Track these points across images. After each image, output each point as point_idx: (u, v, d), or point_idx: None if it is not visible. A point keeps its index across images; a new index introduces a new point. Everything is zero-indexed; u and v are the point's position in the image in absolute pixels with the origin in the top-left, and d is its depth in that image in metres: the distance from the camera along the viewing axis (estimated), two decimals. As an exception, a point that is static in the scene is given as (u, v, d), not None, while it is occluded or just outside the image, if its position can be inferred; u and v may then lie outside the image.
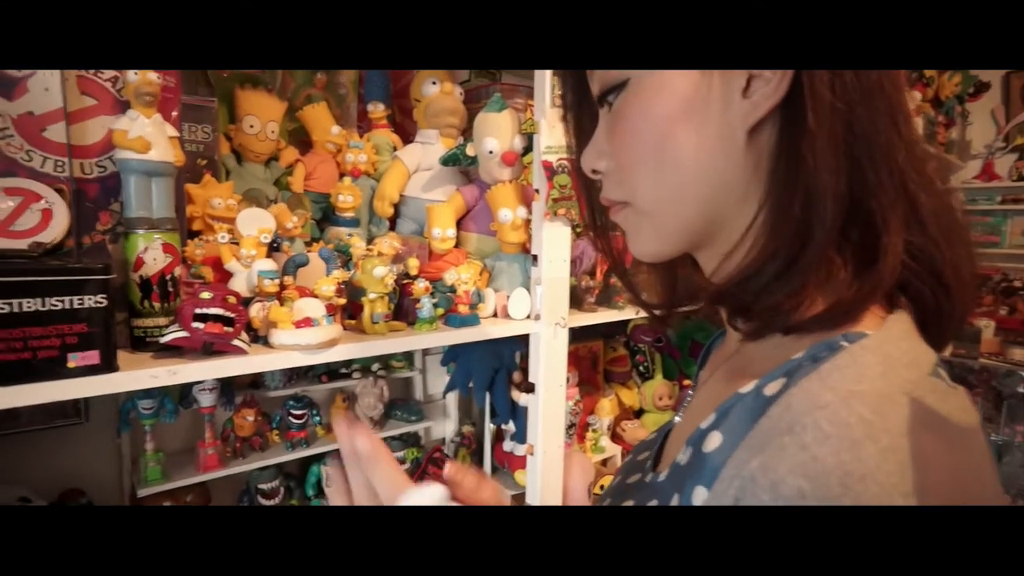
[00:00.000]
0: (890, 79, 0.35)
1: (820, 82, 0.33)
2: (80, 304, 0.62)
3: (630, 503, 0.43)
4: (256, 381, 1.13)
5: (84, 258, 0.71)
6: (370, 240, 1.06)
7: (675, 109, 0.37)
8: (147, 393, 0.94)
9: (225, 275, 0.83)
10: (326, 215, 1.11)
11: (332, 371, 1.22)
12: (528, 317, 1.06)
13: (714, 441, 0.36)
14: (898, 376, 0.30)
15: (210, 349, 0.71)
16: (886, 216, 0.34)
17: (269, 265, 0.81)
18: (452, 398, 1.41)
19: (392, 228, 1.17)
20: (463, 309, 0.99)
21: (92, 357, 0.63)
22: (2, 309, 0.58)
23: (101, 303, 0.63)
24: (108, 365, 0.64)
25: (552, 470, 1.11)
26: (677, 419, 0.49)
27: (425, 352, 1.37)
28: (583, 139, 0.47)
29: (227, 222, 0.87)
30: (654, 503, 0.40)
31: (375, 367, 1.25)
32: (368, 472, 0.36)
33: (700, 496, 0.34)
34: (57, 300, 0.60)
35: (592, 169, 0.44)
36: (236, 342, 0.73)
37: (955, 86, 2.54)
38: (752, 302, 0.37)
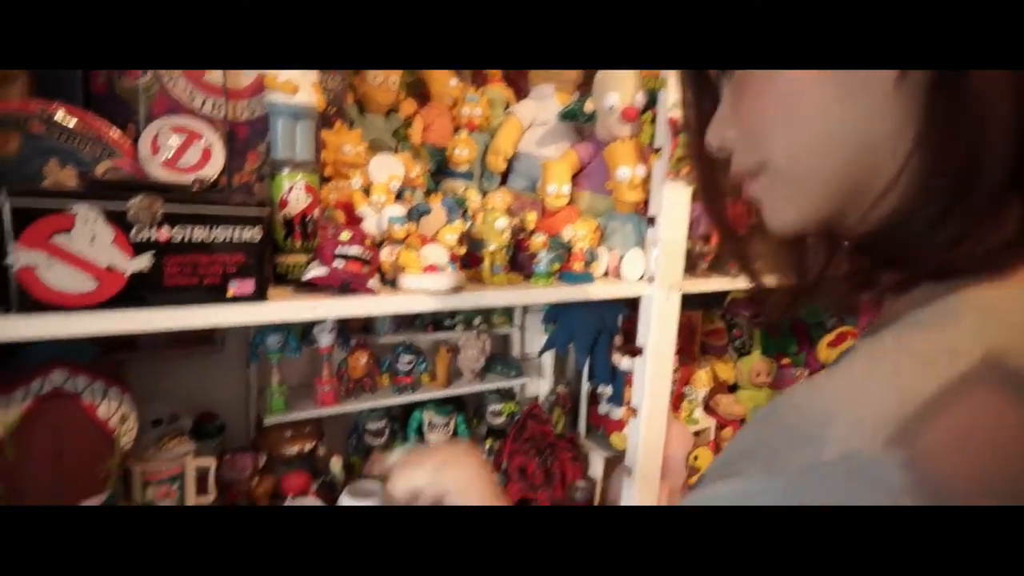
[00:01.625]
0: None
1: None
2: (240, 237, 0.66)
3: None
4: (367, 326, 1.18)
5: (238, 196, 0.75)
6: (482, 194, 1.06)
7: (804, 72, 0.34)
8: (275, 329, 1.01)
9: (354, 219, 0.86)
10: (439, 168, 1.12)
11: (437, 322, 1.25)
12: (641, 278, 1.04)
13: None
14: (988, 331, 0.27)
15: (347, 288, 0.74)
16: None
17: (399, 211, 0.83)
18: (548, 358, 1.42)
19: (503, 183, 1.16)
20: (578, 266, 0.98)
21: (248, 287, 0.67)
22: (176, 237, 0.62)
23: (258, 237, 0.67)
24: (261, 295, 0.68)
25: (654, 436, 1.09)
26: None
27: (525, 310, 1.38)
28: (702, 121, 0.43)
29: (355, 168, 0.90)
30: None
31: (477, 321, 1.28)
32: None
33: None
34: (222, 231, 0.64)
35: (719, 144, 0.41)
36: (370, 283, 0.76)
37: None
38: (901, 251, 0.34)
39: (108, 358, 0.78)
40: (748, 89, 0.38)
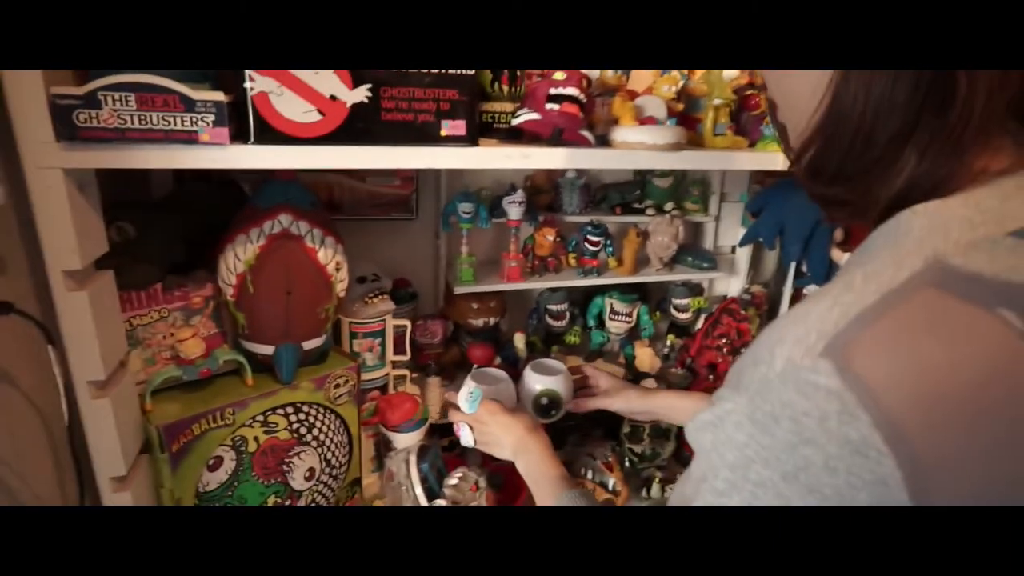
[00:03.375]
0: None
1: None
2: (452, 70, 0.60)
3: None
4: (553, 205, 1.12)
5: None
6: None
7: None
8: (466, 197, 0.98)
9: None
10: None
11: (626, 204, 1.15)
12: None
13: None
14: (932, 237, 0.31)
15: (558, 137, 0.67)
16: None
17: (613, 54, 0.72)
18: (744, 253, 1.26)
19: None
20: (817, 130, 0.81)
21: (460, 127, 0.63)
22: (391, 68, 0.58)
23: (469, 73, 0.61)
24: (472, 139, 0.63)
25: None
26: None
27: (722, 198, 1.22)
28: None
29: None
30: None
31: (669, 206, 1.15)
32: None
33: None
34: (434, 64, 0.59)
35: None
36: (583, 132, 0.67)
37: None
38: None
39: (322, 210, 0.80)
40: None
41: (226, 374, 0.77)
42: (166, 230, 0.75)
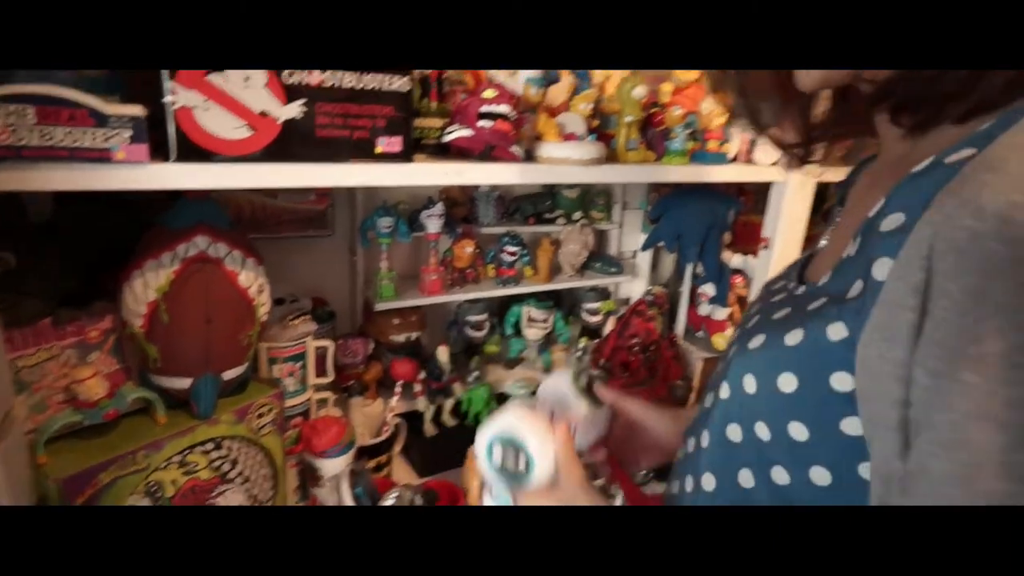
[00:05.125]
0: None
1: None
2: (390, 86, 0.60)
3: (783, 312, 0.40)
4: (469, 217, 1.13)
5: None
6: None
7: None
8: (385, 211, 0.96)
9: (482, 83, 0.78)
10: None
11: (538, 215, 1.19)
12: (775, 164, 0.95)
13: (893, 220, 0.33)
14: None
15: (489, 152, 0.69)
16: None
17: (535, 72, 0.75)
18: (645, 257, 1.36)
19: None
20: (713, 146, 0.90)
21: (396, 144, 0.62)
22: (328, 81, 0.57)
23: (407, 87, 0.61)
24: (408, 155, 0.63)
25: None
26: (823, 242, 0.46)
27: (624, 206, 1.30)
28: None
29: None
30: (819, 303, 0.37)
31: (577, 215, 1.21)
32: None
33: (883, 268, 0.31)
34: (371, 78, 0.58)
35: None
36: (512, 148, 0.69)
37: None
38: (922, 91, 0.34)
39: (241, 229, 0.75)
40: None
41: (132, 414, 0.69)
42: (52, 258, 0.67)
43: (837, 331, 0.33)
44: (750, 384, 0.39)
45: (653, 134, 0.89)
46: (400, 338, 1.07)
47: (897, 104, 0.37)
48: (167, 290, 0.64)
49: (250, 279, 0.70)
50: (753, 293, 1.06)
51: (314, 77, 0.56)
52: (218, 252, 0.67)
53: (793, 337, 0.36)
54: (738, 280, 1.20)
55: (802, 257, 0.49)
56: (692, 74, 0.96)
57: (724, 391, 0.41)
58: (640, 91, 0.81)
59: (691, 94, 0.95)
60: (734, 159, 0.97)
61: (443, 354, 1.09)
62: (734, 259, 1.18)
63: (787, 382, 0.36)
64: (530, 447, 0.48)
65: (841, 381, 0.34)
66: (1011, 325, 0.25)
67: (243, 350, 0.73)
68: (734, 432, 0.40)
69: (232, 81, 0.53)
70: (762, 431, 0.38)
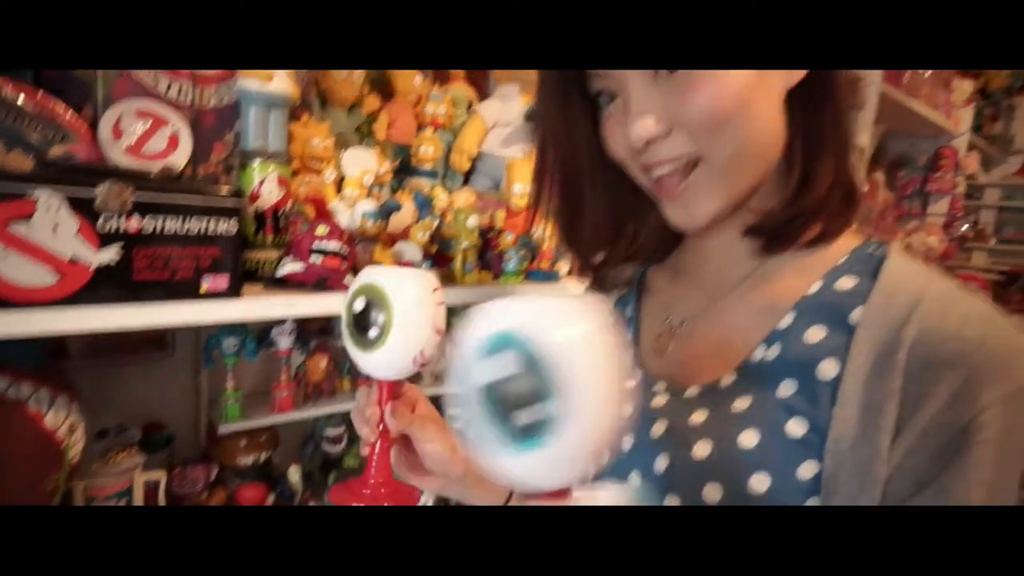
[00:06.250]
0: (847, 76, 0.45)
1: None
2: (215, 229, 0.62)
3: (701, 415, 0.45)
4: (326, 328, 1.14)
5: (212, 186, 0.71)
6: (448, 193, 1.06)
7: (751, 74, 0.41)
8: (231, 331, 0.95)
9: (324, 215, 0.83)
10: (402, 166, 1.11)
11: (397, 324, 1.22)
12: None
13: (816, 333, 0.42)
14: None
15: (323, 284, 0.72)
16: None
17: (372, 206, 0.81)
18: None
19: (465, 183, 1.16)
20: (545, 265, 1.00)
21: (222, 282, 0.64)
22: (148, 228, 0.58)
23: (234, 229, 0.64)
24: (235, 291, 0.65)
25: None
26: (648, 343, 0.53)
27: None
28: (571, 126, 0.50)
29: (323, 162, 0.87)
30: (747, 403, 0.43)
31: (437, 323, 1.26)
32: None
33: (831, 369, 0.41)
34: (196, 222, 0.61)
35: (649, 137, 0.44)
36: (346, 280, 0.73)
37: (1005, 79, 2.51)
38: (782, 228, 0.46)
39: (53, 363, 0.71)
40: (703, 87, 0.41)
41: None
42: None
43: (799, 426, 0.40)
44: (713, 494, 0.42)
45: (491, 256, 0.97)
46: (248, 460, 1.03)
47: (773, 232, 0.47)
48: (-49, 441, 0.59)
49: (59, 419, 0.66)
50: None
51: (132, 223, 0.57)
52: (20, 393, 0.63)
53: (748, 438, 0.41)
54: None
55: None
56: (523, 200, 1.08)
57: (671, 500, 0.44)
58: (473, 220, 0.89)
59: (523, 219, 1.06)
60: (570, 272, 1.08)
61: (294, 474, 1.05)
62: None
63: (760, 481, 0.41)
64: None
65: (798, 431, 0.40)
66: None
67: (47, 496, 0.67)
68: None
69: (38, 229, 0.53)
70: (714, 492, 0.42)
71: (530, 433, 0.25)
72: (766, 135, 0.45)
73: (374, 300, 0.43)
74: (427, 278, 0.45)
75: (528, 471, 0.27)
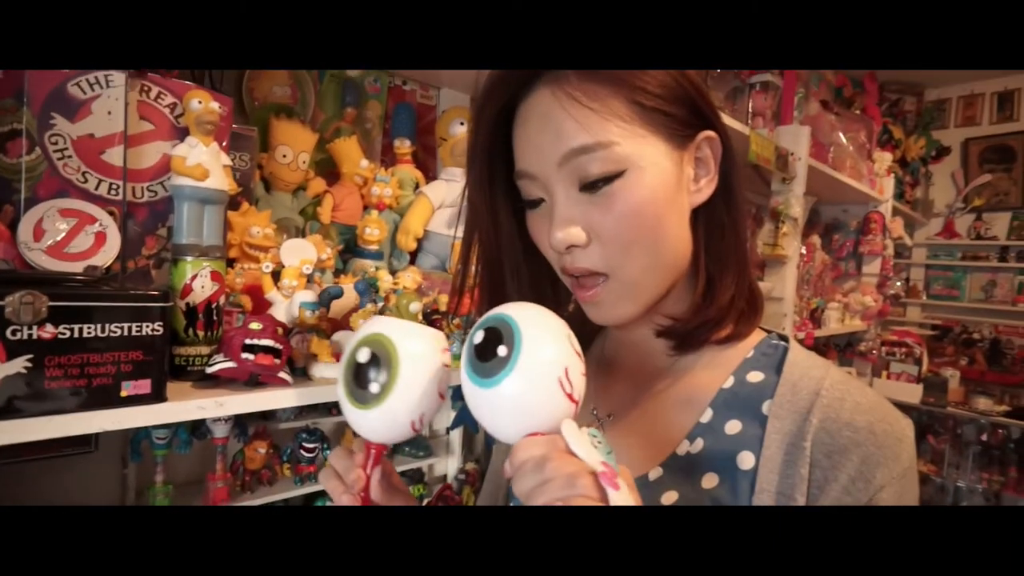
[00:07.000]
0: (746, 197, 0.53)
1: (736, 180, 0.50)
2: (139, 332, 0.61)
3: (675, 496, 0.49)
4: (267, 413, 1.11)
5: (131, 283, 0.70)
6: (392, 273, 1.06)
7: (667, 193, 0.46)
8: (162, 423, 0.91)
9: (262, 305, 0.82)
10: (348, 247, 1.11)
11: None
12: (549, 356, 1.07)
13: (733, 426, 0.47)
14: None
15: (256, 380, 0.70)
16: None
17: (310, 296, 0.81)
18: (456, 435, 1.40)
19: (412, 262, 1.17)
20: (490, 346, 1.00)
21: (144, 386, 0.62)
22: (63, 335, 0.56)
23: (158, 331, 0.62)
24: (158, 395, 0.63)
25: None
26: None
27: (432, 386, 1.36)
28: (496, 215, 0.56)
29: (263, 251, 0.87)
30: (673, 496, 0.47)
31: (384, 400, 1.24)
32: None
33: (748, 461, 0.45)
34: (117, 327, 0.59)
35: (566, 245, 0.48)
36: (281, 374, 0.72)
37: (920, 148, 2.72)
38: (692, 332, 0.51)
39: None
40: (624, 206, 0.46)
41: None
42: None
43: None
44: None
45: (436, 338, 0.97)
46: (176, 559, 0.96)
47: (683, 336, 0.52)
48: None
49: (-43, 537, 0.61)
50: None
51: (46, 331, 0.55)
52: (-88, 513, 0.58)
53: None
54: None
55: None
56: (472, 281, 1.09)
57: None
58: (416, 306, 0.89)
59: (467, 300, 1.07)
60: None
61: (228, 572, 0.99)
62: (533, 436, 1.26)
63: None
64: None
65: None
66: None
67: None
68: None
69: (-60, 343, 0.50)
70: None
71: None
72: (675, 248, 0.49)
73: (379, 352, 0.40)
74: (437, 336, 0.43)
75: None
